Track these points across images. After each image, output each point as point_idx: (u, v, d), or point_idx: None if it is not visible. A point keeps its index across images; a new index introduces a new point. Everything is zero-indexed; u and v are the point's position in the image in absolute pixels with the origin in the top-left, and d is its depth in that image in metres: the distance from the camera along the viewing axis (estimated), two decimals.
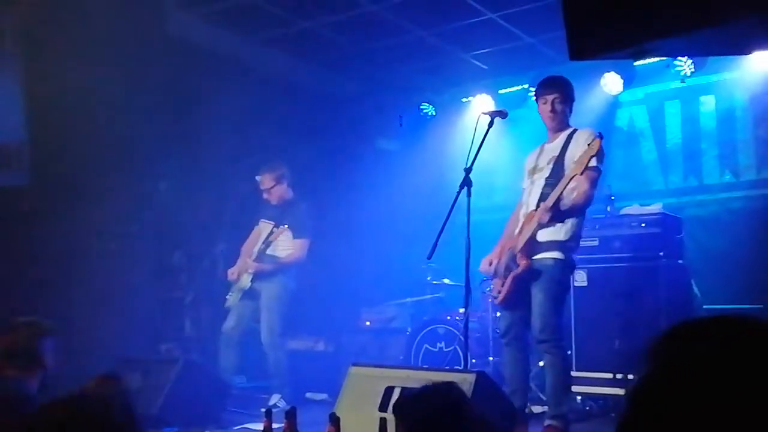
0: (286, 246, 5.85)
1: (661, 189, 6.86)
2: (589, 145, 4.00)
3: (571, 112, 4.47)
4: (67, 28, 5.36)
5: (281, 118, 6.68)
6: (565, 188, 4.13)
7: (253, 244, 6.01)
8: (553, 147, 4.41)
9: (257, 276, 5.82)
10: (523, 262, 4.23)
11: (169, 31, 6.22)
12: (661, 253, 5.22)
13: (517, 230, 4.42)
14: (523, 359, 4.37)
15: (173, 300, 6.38)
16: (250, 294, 5.85)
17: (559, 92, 4.39)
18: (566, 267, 4.29)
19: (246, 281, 5.84)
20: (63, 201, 5.39)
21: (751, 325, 0.76)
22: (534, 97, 4.56)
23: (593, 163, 4.07)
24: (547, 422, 4.19)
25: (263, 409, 5.40)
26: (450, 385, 2.29)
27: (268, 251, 5.83)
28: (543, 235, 4.24)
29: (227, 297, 5.94)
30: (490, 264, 4.45)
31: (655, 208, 5.62)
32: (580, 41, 2.38)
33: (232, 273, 5.93)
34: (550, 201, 4.14)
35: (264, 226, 5.99)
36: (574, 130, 4.39)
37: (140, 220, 5.87)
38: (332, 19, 6.48)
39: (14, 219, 5.21)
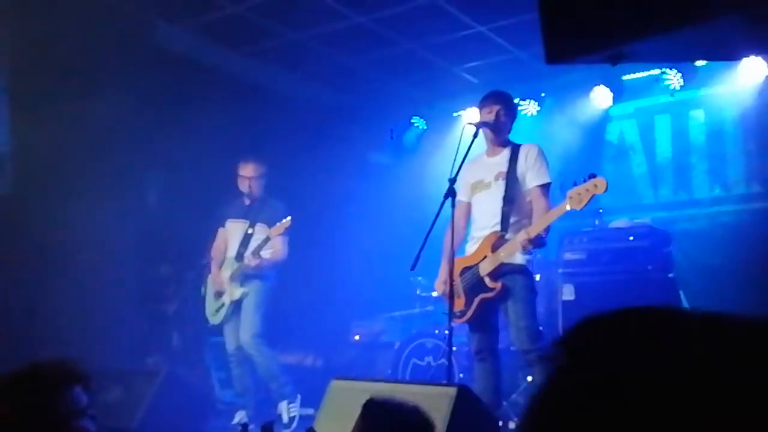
0: (267, 245, 5.62)
1: (651, 203, 6.85)
2: (595, 185, 3.93)
3: (511, 128, 4.50)
4: (54, 38, 5.35)
5: (270, 130, 6.66)
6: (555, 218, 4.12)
7: (222, 248, 5.79)
8: (497, 162, 4.41)
9: (244, 279, 5.58)
10: (496, 286, 4.21)
11: (156, 43, 6.21)
12: (650, 267, 5.19)
13: (474, 248, 4.38)
14: (495, 372, 4.35)
15: (160, 312, 6.32)
16: (238, 306, 5.62)
17: (502, 105, 4.42)
18: (531, 272, 4.33)
19: (236, 292, 5.59)
20: (48, 211, 5.34)
21: (667, 316, 0.65)
22: (480, 108, 4.53)
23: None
24: None
25: (240, 422, 5.35)
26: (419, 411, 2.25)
27: (251, 250, 5.57)
28: (511, 258, 4.22)
29: (212, 314, 5.72)
30: (445, 284, 4.27)
31: (643, 221, 5.59)
32: (555, 44, 2.36)
33: (215, 283, 5.73)
34: (535, 229, 4.09)
35: (233, 226, 5.76)
36: (518, 145, 4.42)
37: (127, 232, 5.82)
38: (321, 31, 6.47)
39: None
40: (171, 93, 5.96)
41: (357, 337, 7.03)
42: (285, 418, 5.48)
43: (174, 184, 6.24)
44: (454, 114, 7.83)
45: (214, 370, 6.46)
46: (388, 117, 8.04)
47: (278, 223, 5.46)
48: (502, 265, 4.21)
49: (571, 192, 3.99)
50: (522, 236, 4.09)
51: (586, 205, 3.95)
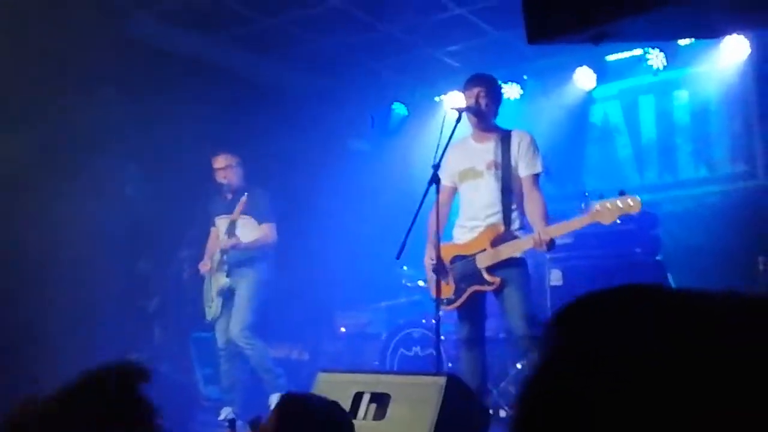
0: (252, 233, 5.58)
1: (637, 185, 6.78)
2: (630, 205, 3.79)
3: (497, 112, 4.38)
4: (28, 33, 5.22)
5: (249, 118, 6.54)
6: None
7: (214, 244, 5.75)
8: (486, 149, 4.30)
9: (231, 269, 5.54)
10: (496, 281, 4.14)
11: (130, 33, 6.08)
12: (638, 250, 5.15)
13: (468, 238, 4.29)
14: (483, 360, 4.31)
15: (141, 309, 6.21)
16: (228, 298, 5.59)
17: (485, 87, 4.30)
18: (527, 262, 4.28)
19: (221, 280, 5.57)
20: (26, 211, 5.23)
21: (662, 295, 0.64)
22: (464, 91, 4.40)
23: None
24: None
25: (227, 417, 5.27)
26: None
27: (233, 242, 5.55)
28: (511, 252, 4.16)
29: (207, 309, 5.67)
30: (433, 264, 4.19)
31: None
32: (537, 23, 2.28)
33: (203, 264, 5.71)
34: (552, 233, 4.00)
35: (221, 223, 5.72)
36: (508, 132, 4.32)
37: (105, 229, 5.69)
38: (298, 16, 6.34)
39: None
40: (146, 83, 5.84)
41: (343, 329, 6.95)
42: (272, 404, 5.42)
43: (151, 178, 6.12)
44: (436, 99, 7.74)
45: (198, 367, 6.35)
46: (368, 103, 7.93)
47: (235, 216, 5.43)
48: (503, 259, 4.15)
49: (599, 205, 3.84)
50: (536, 239, 4.00)
51: (612, 221, 3.83)
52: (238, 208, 5.44)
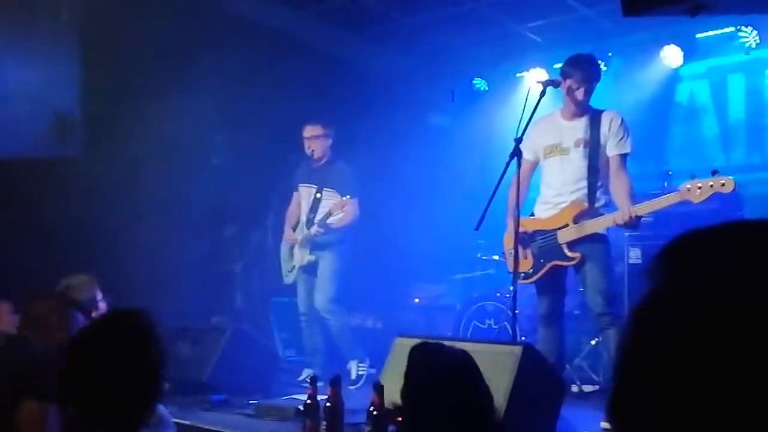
0: (336, 208, 5.62)
1: (723, 166, 6.61)
2: (723, 184, 3.78)
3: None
4: (123, 4, 5.45)
5: (332, 92, 6.67)
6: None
7: (296, 212, 5.83)
8: (576, 127, 4.28)
9: (314, 246, 5.64)
10: (576, 256, 4.16)
11: (221, 7, 6.26)
12: None
13: (551, 214, 4.31)
14: (561, 336, 4.35)
15: (225, 272, 6.45)
16: (309, 269, 5.69)
17: (587, 72, 4.24)
18: (609, 239, 4.27)
19: (305, 257, 5.66)
20: (116, 173, 5.49)
21: None
22: (564, 73, 4.29)
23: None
24: None
25: (308, 378, 5.46)
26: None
27: (318, 218, 5.60)
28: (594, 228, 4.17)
29: (285, 274, 5.82)
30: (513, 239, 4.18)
31: None
32: None
33: (288, 235, 5.79)
34: (639, 210, 3.99)
35: (304, 191, 5.78)
36: (598, 112, 4.28)
37: (193, 194, 5.93)
38: None
39: (69, 190, 5.33)
40: (235, 57, 6.01)
41: (417, 300, 7.06)
42: (353, 375, 5.58)
43: (239, 147, 6.33)
44: (517, 75, 7.69)
45: (277, 330, 6.58)
46: (449, 78, 7.95)
47: (342, 200, 5.46)
48: (585, 235, 4.16)
49: (690, 184, 3.84)
50: (620, 215, 4.00)
51: (704, 200, 3.81)
52: (338, 205, 5.44)
